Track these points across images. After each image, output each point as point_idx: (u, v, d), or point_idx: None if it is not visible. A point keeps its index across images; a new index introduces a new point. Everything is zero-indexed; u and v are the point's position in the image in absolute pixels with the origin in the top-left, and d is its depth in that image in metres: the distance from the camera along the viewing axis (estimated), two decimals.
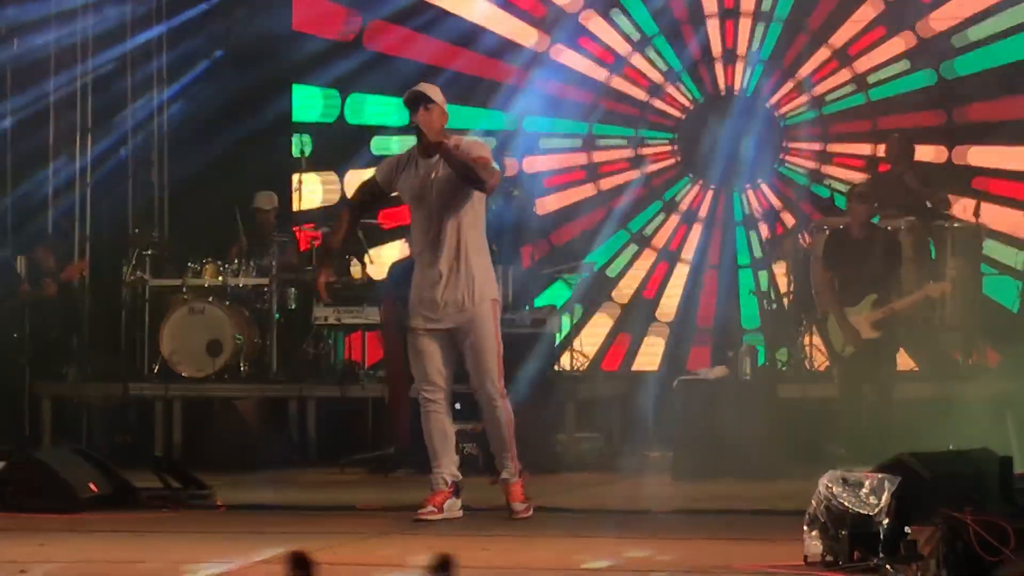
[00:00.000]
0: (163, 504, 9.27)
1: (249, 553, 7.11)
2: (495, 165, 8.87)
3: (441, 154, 8.68)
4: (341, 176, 16.27)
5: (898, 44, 15.68)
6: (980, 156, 15.48)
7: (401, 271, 13.39)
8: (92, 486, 9.20)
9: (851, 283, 12.27)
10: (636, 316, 15.95)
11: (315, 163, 15.51)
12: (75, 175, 15.67)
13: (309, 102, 16.46)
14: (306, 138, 15.28)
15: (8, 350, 13.58)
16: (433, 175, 8.74)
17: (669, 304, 15.98)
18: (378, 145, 16.15)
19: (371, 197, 9.28)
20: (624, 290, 16.10)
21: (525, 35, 16.25)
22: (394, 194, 9.20)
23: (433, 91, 8.81)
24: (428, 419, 8.81)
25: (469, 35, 16.12)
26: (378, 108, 16.31)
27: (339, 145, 16.16)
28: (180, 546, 7.68)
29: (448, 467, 8.83)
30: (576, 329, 14.64)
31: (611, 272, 16.07)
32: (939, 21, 15.62)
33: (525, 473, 8.93)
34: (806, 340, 13.65)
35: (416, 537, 7.95)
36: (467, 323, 8.69)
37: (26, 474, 9.17)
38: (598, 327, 15.82)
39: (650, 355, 15.83)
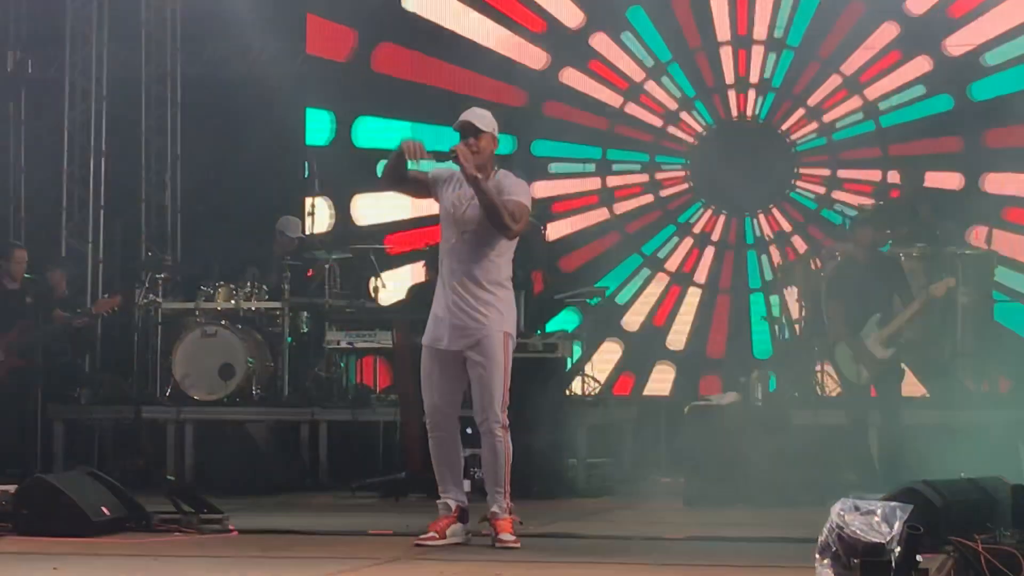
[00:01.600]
0: (176, 528, 9.25)
1: None
2: (526, 207, 8.72)
3: (474, 190, 8.63)
4: (347, 200, 16.30)
5: (914, 69, 15.64)
6: (996, 183, 15.41)
7: (417, 295, 13.46)
8: (105, 509, 9.19)
9: (856, 308, 12.29)
10: (645, 346, 15.93)
11: (321, 188, 15.58)
12: (88, 198, 15.71)
13: (315, 125, 16.50)
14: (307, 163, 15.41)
15: (21, 373, 13.60)
16: (472, 200, 8.69)
17: (679, 333, 15.98)
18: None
19: (414, 180, 8.91)
20: (634, 317, 16.09)
21: (534, 58, 16.28)
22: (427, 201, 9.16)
23: (482, 120, 8.71)
24: (433, 443, 8.79)
25: (477, 58, 16.15)
26: (385, 132, 16.33)
27: (345, 169, 16.18)
28: (193, 570, 7.68)
29: (452, 492, 8.78)
30: (586, 356, 14.62)
31: (620, 299, 16.06)
32: (957, 46, 15.52)
33: (515, 515, 8.78)
34: (818, 366, 13.66)
35: (428, 563, 7.94)
36: (475, 351, 8.64)
37: (38, 497, 9.15)
38: (607, 355, 15.81)
39: (661, 381, 15.85)
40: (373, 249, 14.67)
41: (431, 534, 8.65)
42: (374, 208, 16.37)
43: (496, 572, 7.53)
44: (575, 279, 15.50)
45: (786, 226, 15.95)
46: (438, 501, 8.81)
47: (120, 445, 14.10)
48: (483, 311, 8.62)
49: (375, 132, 16.41)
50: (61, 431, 13.86)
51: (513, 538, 8.58)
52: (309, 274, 14.60)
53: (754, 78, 16.02)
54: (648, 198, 16.26)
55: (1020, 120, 15.13)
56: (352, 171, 16.19)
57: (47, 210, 15.73)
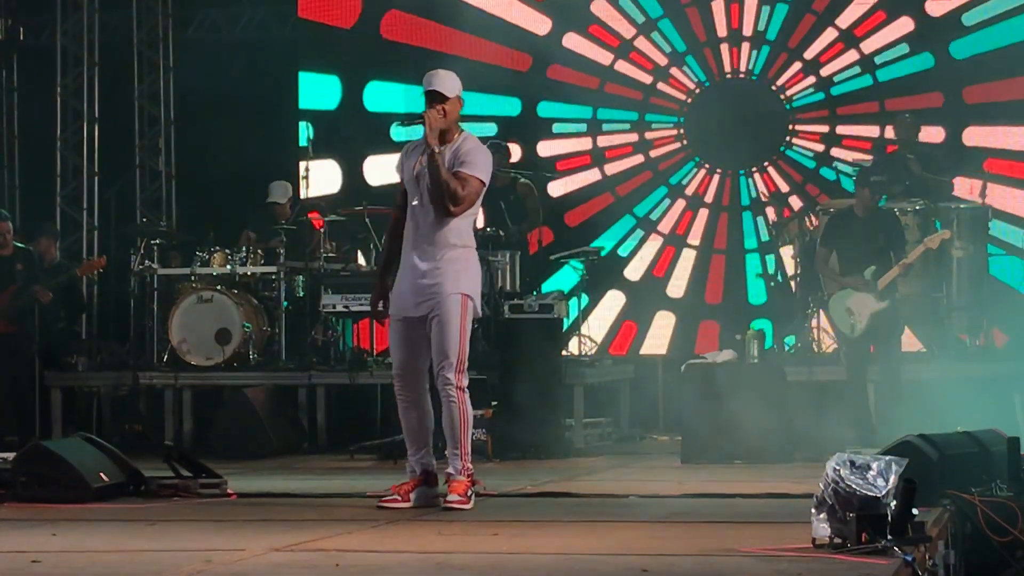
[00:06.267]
0: (174, 493, 9.27)
1: (261, 541, 7.14)
2: (480, 183, 8.60)
3: (428, 161, 8.61)
4: (360, 162, 16.37)
5: (898, 28, 15.76)
6: (984, 137, 15.51)
7: None
8: (103, 475, 9.20)
9: (850, 259, 12.30)
10: (647, 294, 15.98)
11: (329, 150, 15.61)
12: (83, 165, 15.70)
13: (317, 90, 16.49)
14: (308, 125, 15.36)
15: (10, 339, 13.59)
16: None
17: (678, 283, 16.04)
18: (398, 132, 16.22)
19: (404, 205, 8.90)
20: (634, 269, 16.15)
21: (538, 24, 16.28)
22: None
23: (448, 84, 8.67)
24: (400, 407, 8.78)
25: (482, 23, 16.15)
26: (395, 95, 16.35)
27: (354, 132, 16.25)
28: (192, 535, 7.70)
29: (416, 456, 8.75)
30: (587, 310, 14.63)
31: (622, 252, 16.10)
32: (937, 6, 15.67)
33: (478, 480, 8.74)
34: (813, 323, 13.67)
35: (426, 524, 7.97)
36: (433, 313, 8.59)
37: (37, 464, 9.17)
38: (609, 306, 15.86)
39: (658, 339, 15.87)
40: (368, 211, 14.66)
41: (392, 496, 8.67)
42: (387, 169, 16.43)
43: (493, 531, 7.56)
44: (571, 239, 15.50)
45: (783, 185, 15.93)
46: (405, 464, 8.85)
47: (118, 411, 14.13)
48: (438, 275, 8.57)
49: (386, 96, 16.42)
50: (59, 398, 13.89)
51: (459, 498, 8.52)
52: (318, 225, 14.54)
53: (747, 31, 16.00)
54: (639, 159, 16.24)
55: (996, 76, 15.40)
56: (363, 134, 16.26)
57: (41, 177, 15.70)
